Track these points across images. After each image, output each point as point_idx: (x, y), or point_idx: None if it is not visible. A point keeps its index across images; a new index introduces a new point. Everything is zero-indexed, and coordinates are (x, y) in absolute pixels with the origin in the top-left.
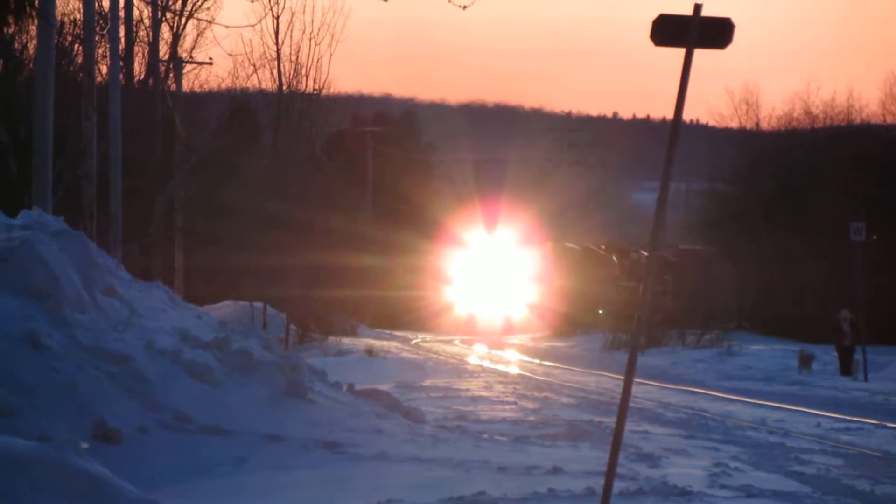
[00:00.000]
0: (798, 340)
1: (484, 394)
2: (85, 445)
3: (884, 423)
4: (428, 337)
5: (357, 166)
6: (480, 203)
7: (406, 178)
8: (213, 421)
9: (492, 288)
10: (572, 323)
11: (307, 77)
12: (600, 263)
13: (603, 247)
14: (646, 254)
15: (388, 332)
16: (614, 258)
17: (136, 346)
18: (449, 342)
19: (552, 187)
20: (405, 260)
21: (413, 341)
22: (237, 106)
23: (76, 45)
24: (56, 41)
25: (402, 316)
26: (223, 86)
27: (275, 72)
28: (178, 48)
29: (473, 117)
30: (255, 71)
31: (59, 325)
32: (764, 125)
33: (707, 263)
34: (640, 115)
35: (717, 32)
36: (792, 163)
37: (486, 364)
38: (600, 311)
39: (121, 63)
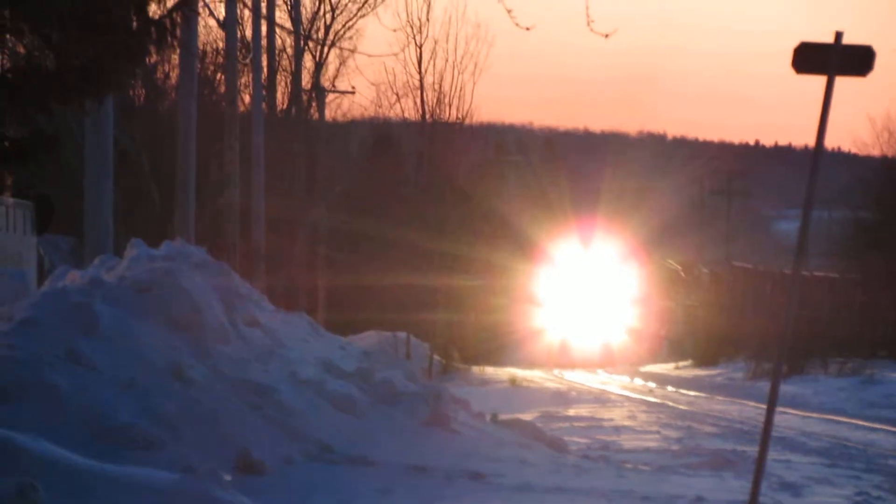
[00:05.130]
0: None
1: (627, 423)
2: (228, 477)
3: None
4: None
5: (495, 195)
6: (575, 220)
7: (543, 208)
8: (356, 452)
9: (587, 310)
10: (676, 348)
11: (450, 106)
12: (674, 281)
13: (675, 265)
14: (706, 271)
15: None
16: (681, 273)
17: (280, 376)
18: (592, 371)
19: (655, 205)
20: (487, 279)
21: (555, 371)
22: (380, 136)
23: (218, 75)
24: (198, 70)
25: (483, 344)
26: (366, 115)
27: (418, 101)
28: (321, 77)
29: (616, 145)
30: (398, 100)
31: (201, 356)
32: None
33: (759, 283)
34: (782, 143)
35: (858, 60)
36: None
37: (629, 394)
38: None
39: (263, 92)
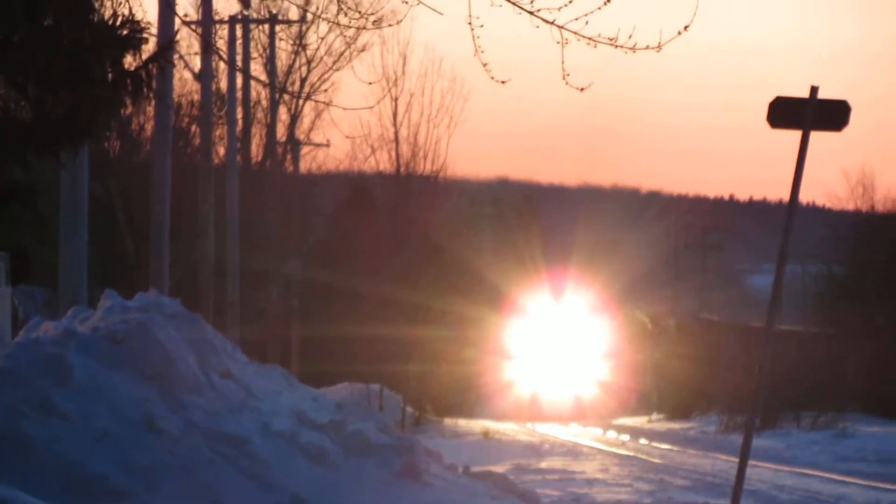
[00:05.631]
0: None
1: (599, 476)
2: None
3: None
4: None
5: (469, 248)
6: (547, 273)
7: (517, 261)
8: (328, 503)
9: (558, 363)
10: (646, 401)
11: (425, 159)
12: (643, 333)
13: (644, 317)
14: (673, 322)
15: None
16: (648, 325)
17: (253, 428)
18: (564, 424)
19: (628, 258)
20: (460, 331)
21: (528, 424)
22: (355, 188)
23: (193, 127)
24: (173, 122)
25: (453, 396)
26: (340, 167)
27: (392, 154)
28: (296, 129)
29: (590, 199)
30: (373, 153)
31: (175, 408)
32: (879, 207)
33: (724, 335)
34: (757, 197)
35: (833, 114)
36: None
37: (602, 446)
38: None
39: (238, 144)
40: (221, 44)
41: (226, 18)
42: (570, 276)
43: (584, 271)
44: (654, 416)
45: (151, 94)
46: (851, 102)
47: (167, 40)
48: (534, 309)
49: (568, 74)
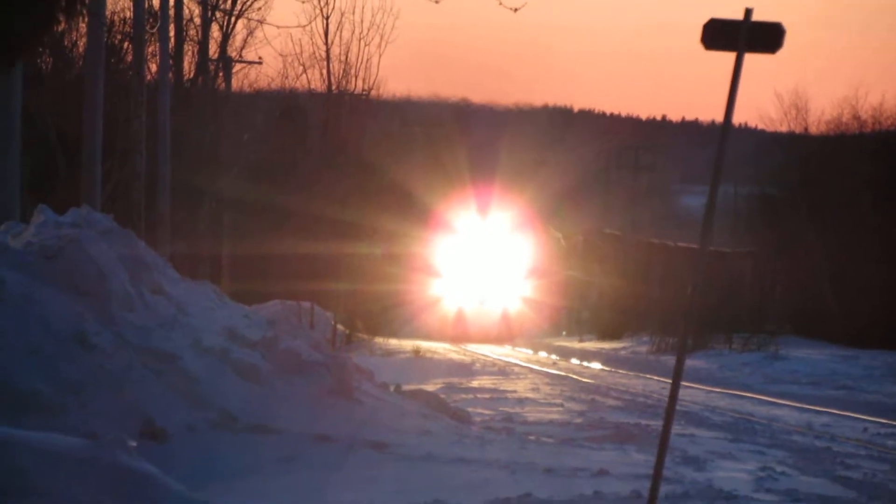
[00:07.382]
0: (843, 345)
1: (531, 395)
2: (132, 444)
3: None
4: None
5: (400, 167)
6: (477, 191)
7: (447, 179)
8: (260, 420)
9: (484, 280)
10: (572, 320)
11: (356, 77)
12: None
13: (557, 234)
14: (581, 238)
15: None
16: (561, 240)
17: (184, 344)
18: (496, 344)
19: (558, 176)
20: (389, 249)
21: (461, 345)
22: (286, 106)
23: (126, 44)
24: (106, 39)
25: (378, 315)
26: (273, 86)
27: (324, 72)
28: (228, 47)
29: (523, 119)
30: (305, 71)
31: (107, 324)
32: (812, 129)
33: (629, 251)
34: (690, 118)
35: (767, 37)
36: (840, 167)
37: (533, 366)
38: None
39: (170, 62)
40: None
41: None
42: (497, 195)
43: (512, 190)
44: (585, 335)
45: (85, 10)
46: (785, 25)
47: None
48: (461, 227)
49: None
